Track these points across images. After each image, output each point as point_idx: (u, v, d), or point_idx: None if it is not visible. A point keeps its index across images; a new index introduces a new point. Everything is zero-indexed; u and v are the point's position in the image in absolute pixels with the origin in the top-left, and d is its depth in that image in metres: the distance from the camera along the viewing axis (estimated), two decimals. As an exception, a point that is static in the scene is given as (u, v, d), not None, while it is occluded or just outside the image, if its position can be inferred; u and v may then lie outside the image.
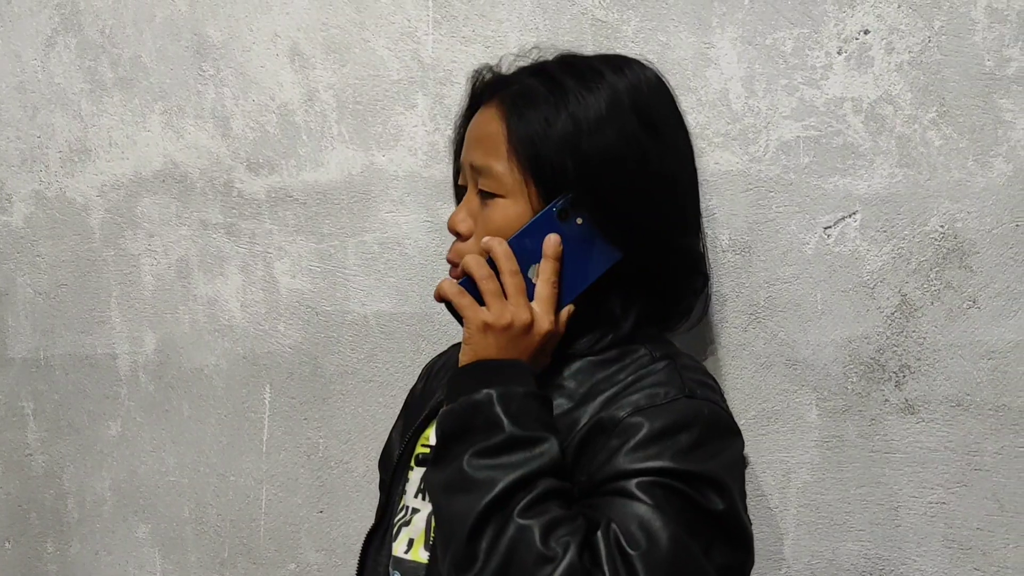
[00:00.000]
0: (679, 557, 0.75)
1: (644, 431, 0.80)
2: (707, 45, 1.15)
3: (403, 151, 1.28)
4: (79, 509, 1.47)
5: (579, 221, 0.86)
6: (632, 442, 0.80)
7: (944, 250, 1.10)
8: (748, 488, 1.16)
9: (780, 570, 1.18)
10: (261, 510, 1.38)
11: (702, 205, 1.15)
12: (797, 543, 1.17)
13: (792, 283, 1.14)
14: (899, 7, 1.09)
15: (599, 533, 0.75)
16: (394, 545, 0.96)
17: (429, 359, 1.18)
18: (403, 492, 1.00)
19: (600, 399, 0.86)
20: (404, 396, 1.16)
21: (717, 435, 0.83)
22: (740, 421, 1.16)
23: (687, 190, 0.93)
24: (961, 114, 1.08)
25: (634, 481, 0.78)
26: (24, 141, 1.43)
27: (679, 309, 0.96)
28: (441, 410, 0.85)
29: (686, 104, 1.16)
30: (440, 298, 0.88)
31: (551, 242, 0.86)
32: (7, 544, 1.50)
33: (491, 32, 1.23)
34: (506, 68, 0.96)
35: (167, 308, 1.40)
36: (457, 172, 0.98)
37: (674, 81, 1.15)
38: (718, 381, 1.16)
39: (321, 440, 1.35)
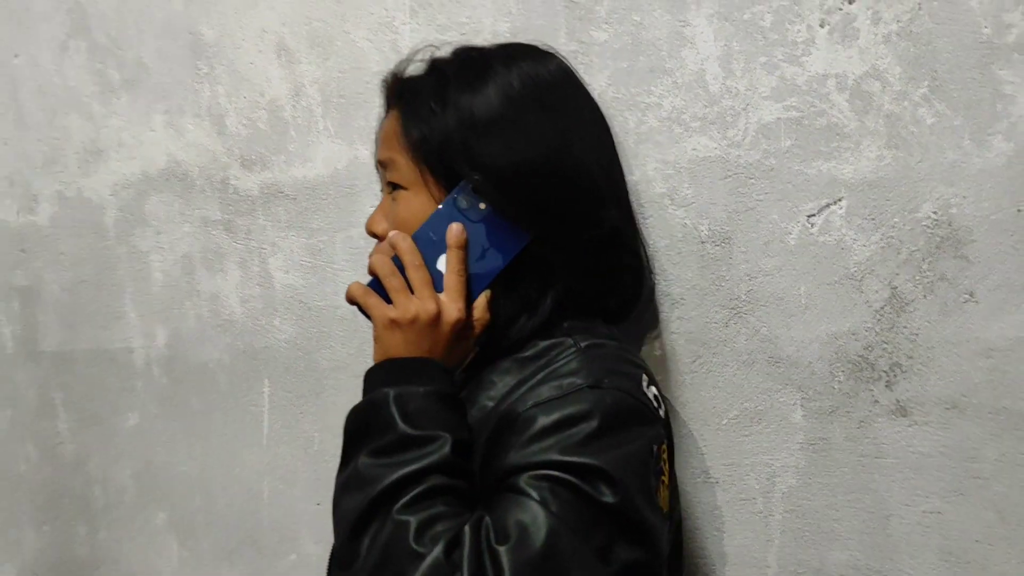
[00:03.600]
0: (555, 552, 0.72)
1: (538, 425, 0.78)
2: (682, 23, 1.08)
3: (386, 144, 1.26)
4: (105, 496, 1.53)
5: (482, 207, 0.85)
6: (526, 436, 0.78)
7: (938, 239, 1.00)
8: (731, 490, 1.11)
9: (767, 578, 1.12)
10: (264, 502, 1.41)
11: (650, 193, 1.09)
12: (782, 551, 1.10)
13: (774, 275, 1.07)
14: (884, -27, 0.99)
15: (467, 527, 0.74)
16: None
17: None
18: None
19: (516, 395, 0.83)
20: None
21: (618, 426, 0.79)
22: (721, 421, 1.11)
23: (597, 168, 0.90)
24: (955, 88, 0.98)
25: (524, 476, 0.76)
26: (45, 143, 1.48)
27: (611, 291, 0.92)
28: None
29: (661, 87, 1.10)
30: (349, 300, 0.88)
31: (453, 232, 0.85)
32: (44, 527, 1.57)
33: (465, 18, 1.19)
34: (407, 70, 0.95)
35: (174, 303, 1.43)
36: None
37: (649, 63, 1.10)
38: (698, 379, 1.10)
39: (316, 434, 1.36)
